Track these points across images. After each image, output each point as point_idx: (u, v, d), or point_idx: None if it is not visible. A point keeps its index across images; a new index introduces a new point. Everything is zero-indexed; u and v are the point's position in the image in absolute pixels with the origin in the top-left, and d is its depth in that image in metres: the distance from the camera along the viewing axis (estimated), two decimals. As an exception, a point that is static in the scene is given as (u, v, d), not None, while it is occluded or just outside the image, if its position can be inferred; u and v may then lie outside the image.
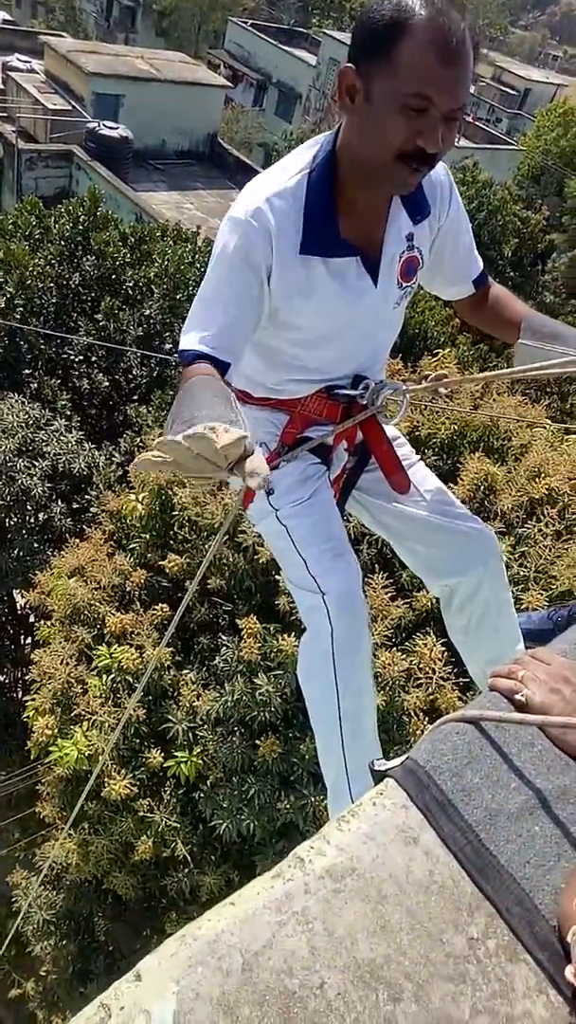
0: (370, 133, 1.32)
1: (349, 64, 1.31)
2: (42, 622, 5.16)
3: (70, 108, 17.96)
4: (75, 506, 6.61)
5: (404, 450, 1.85)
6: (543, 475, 4.19)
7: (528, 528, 4.01)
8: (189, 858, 3.95)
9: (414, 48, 1.21)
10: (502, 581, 1.84)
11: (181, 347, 1.45)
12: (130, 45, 29.83)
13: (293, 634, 3.68)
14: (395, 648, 3.69)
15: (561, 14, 76.97)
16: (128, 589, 4.62)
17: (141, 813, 3.88)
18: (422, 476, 1.84)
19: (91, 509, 6.26)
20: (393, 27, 1.22)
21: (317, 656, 1.60)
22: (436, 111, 1.24)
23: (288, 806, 3.56)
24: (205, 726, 3.87)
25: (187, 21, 35.75)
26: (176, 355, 7.62)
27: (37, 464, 6.23)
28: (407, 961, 0.63)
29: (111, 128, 16.66)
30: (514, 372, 1.55)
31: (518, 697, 0.85)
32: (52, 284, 7.67)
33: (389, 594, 3.79)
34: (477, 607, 1.81)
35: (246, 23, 32.56)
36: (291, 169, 1.46)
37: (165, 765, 3.85)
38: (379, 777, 0.81)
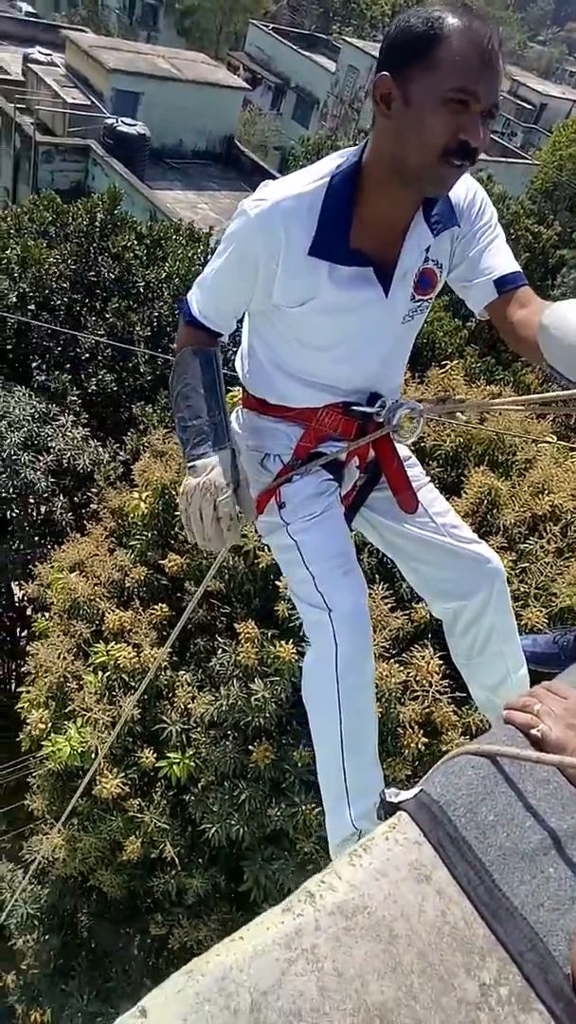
0: (411, 133, 1.33)
1: (383, 73, 1.33)
2: (40, 615, 5.15)
3: (89, 103, 17.95)
4: (77, 501, 6.59)
5: (415, 471, 1.84)
6: (547, 491, 4.18)
7: (530, 544, 3.99)
8: (176, 860, 3.93)
9: (453, 47, 1.27)
10: (506, 606, 1.83)
11: (189, 299, 1.67)
12: (151, 43, 29.84)
13: (291, 640, 3.67)
14: (392, 660, 3.67)
15: (582, 30, 77.08)
16: (127, 586, 4.60)
17: (131, 813, 3.86)
18: (431, 498, 1.84)
19: (93, 505, 6.25)
20: (431, 32, 1.28)
21: (321, 672, 1.59)
22: (476, 106, 1.28)
23: (279, 813, 3.54)
24: (199, 728, 3.85)
25: (208, 22, 35.77)
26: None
27: (42, 458, 6.22)
28: (418, 1006, 0.61)
29: (129, 125, 16.67)
30: (532, 400, 1.53)
31: (534, 732, 0.84)
32: (67, 283, 7.67)
33: (388, 605, 3.77)
34: (481, 631, 1.80)
35: (267, 26, 32.61)
36: (313, 174, 1.47)
37: (157, 765, 3.83)
38: (391, 809, 0.79)
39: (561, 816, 0.77)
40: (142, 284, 8.07)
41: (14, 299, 7.29)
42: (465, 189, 1.59)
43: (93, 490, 6.47)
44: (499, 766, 0.80)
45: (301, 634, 3.75)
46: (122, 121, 16.76)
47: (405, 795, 0.79)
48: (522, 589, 3.81)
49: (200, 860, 4.08)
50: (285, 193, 1.44)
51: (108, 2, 35.73)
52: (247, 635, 3.78)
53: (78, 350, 7.52)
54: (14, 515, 6.32)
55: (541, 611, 3.63)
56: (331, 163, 1.48)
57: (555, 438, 5.32)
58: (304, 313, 1.52)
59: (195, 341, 1.67)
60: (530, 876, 0.71)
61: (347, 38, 31.16)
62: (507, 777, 0.79)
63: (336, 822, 1.59)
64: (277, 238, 1.44)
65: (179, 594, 4.53)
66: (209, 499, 1.50)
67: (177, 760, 3.78)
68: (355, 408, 1.67)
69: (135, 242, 8.31)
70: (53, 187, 14.29)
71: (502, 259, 1.63)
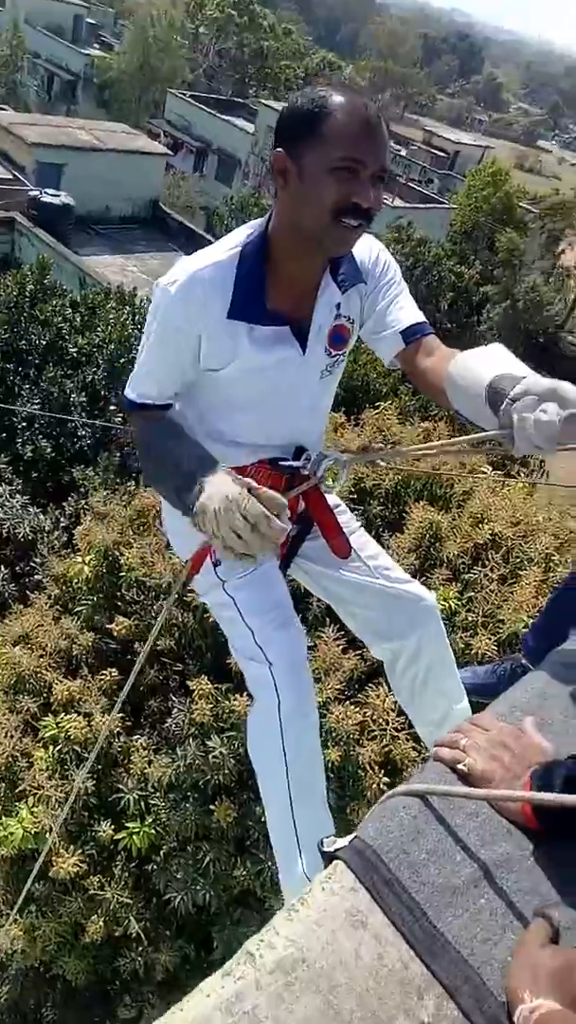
0: (307, 201, 1.42)
1: (278, 149, 1.44)
2: (-16, 693, 4.98)
3: (11, 177, 18.20)
4: (19, 571, 6.46)
5: (344, 517, 1.88)
6: (486, 520, 4.27)
7: (474, 573, 4.06)
8: (143, 936, 3.77)
9: (338, 122, 1.38)
10: (443, 642, 1.88)
11: (127, 395, 1.64)
12: (71, 116, 30.55)
13: (246, 693, 3.63)
14: (348, 701, 3.66)
15: (484, 82, 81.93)
16: (75, 653, 4.50)
17: (91, 891, 3.70)
18: (363, 542, 1.88)
19: (36, 575, 6.13)
20: (317, 110, 1.39)
21: (265, 726, 1.59)
22: (364, 171, 1.38)
23: (244, 873, 3.45)
24: (157, 793, 3.75)
25: (127, 93, 36.81)
26: (120, 415, 7.69)
27: (-20, 529, 6.10)
28: (357, 1055, 0.60)
29: (53, 195, 16.94)
30: (449, 443, 1.59)
31: (460, 766, 0.85)
32: (-3, 354, 7.68)
33: (340, 646, 3.77)
34: (420, 669, 1.83)
35: (185, 94, 33.67)
36: (224, 247, 1.55)
37: (116, 838, 3.70)
38: (329, 858, 0.79)
39: (490, 847, 0.77)
40: (75, 350, 8.12)
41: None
42: (368, 249, 1.68)
43: (36, 559, 6.36)
44: (429, 804, 0.81)
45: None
46: (46, 192, 17.01)
47: (340, 843, 0.79)
48: (469, 618, 3.86)
49: (167, 932, 3.92)
50: (200, 265, 1.50)
51: (25, 80, 36.51)
52: (201, 691, 3.73)
53: (14, 418, 7.47)
54: (-46, 590, 6.16)
55: (490, 639, 3.68)
56: (240, 235, 1.56)
57: (490, 468, 5.47)
58: (228, 375, 1.57)
59: (148, 421, 1.64)
60: (463, 909, 0.72)
61: (264, 101, 32.43)
62: (437, 814, 0.80)
63: (290, 876, 1.57)
64: (197, 306, 1.49)
65: (129, 656, 4.44)
66: (233, 513, 1.32)
67: (137, 829, 3.66)
68: (282, 463, 1.71)
69: (68, 309, 8.38)
70: (-21, 260, 14.34)
71: (407, 312, 1.71)
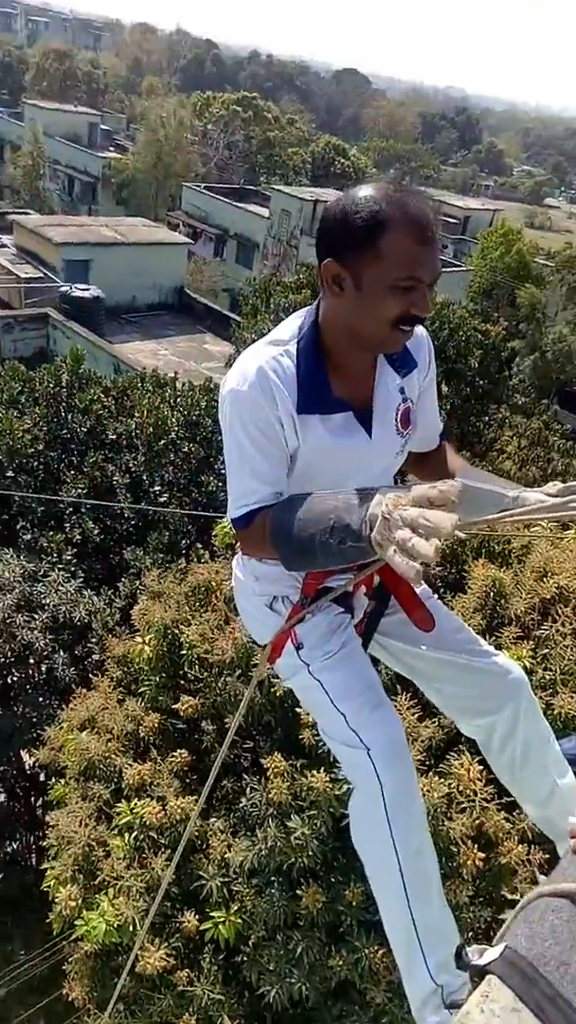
0: (366, 313, 1.46)
1: (328, 259, 1.45)
2: (54, 780, 4.92)
3: (42, 275, 19.09)
4: (78, 655, 6.47)
5: (421, 588, 1.84)
6: (550, 574, 4.17)
7: (545, 630, 3.95)
8: (236, 1034, 3.59)
9: (397, 239, 1.38)
10: (537, 714, 1.81)
11: (235, 517, 1.57)
12: (93, 215, 32.18)
13: (323, 769, 3.52)
14: (430, 772, 3.53)
15: (485, 150, 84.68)
16: (142, 735, 4.44)
17: (180, 987, 3.55)
18: (443, 614, 1.84)
19: (95, 656, 6.12)
20: (375, 223, 1.39)
21: (370, 814, 1.53)
22: (423, 284, 1.42)
23: (340, 962, 3.27)
24: (240, 879, 3.62)
25: (144, 190, 38.70)
26: (165, 495, 7.80)
27: (37, 616, 6.14)
28: None
29: (83, 290, 17.67)
30: (532, 511, 1.58)
31: None
32: (41, 444, 7.89)
33: (416, 714, 3.67)
34: (518, 745, 1.76)
35: (199, 186, 35.31)
36: (279, 340, 1.57)
37: (202, 928, 3.57)
38: (478, 972, 0.73)
39: None
40: (114, 435, 8.32)
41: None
42: (421, 335, 1.72)
43: (93, 640, 6.36)
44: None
45: (332, 760, 3.61)
46: (75, 287, 17.77)
47: (490, 955, 0.74)
48: (547, 676, 3.73)
49: (262, 1029, 3.73)
50: (261, 361, 1.52)
51: (48, 186, 38.63)
52: (275, 769, 3.63)
53: (61, 505, 7.62)
54: (15, 679, 6.17)
55: (571, 697, 3.55)
56: (289, 329, 1.59)
57: (546, 522, 5.39)
58: (305, 460, 1.58)
59: (267, 518, 1.54)
60: None
61: (275, 186, 33.81)
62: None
63: (414, 981, 1.48)
64: (273, 396, 1.51)
65: (197, 736, 4.37)
66: (396, 522, 1.22)
67: (222, 919, 3.52)
68: None
69: (102, 396, 8.62)
70: (16, 355, 14.91)
71: (436, 414, 1.86)
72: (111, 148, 46.00)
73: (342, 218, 1.42)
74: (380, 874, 1.56)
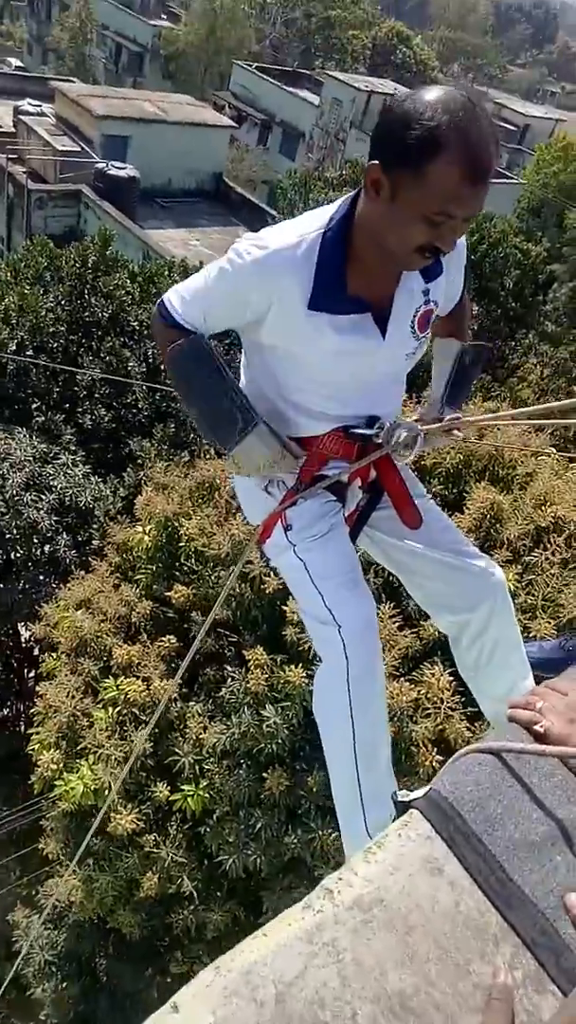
0: (393, 228, 1.42)
1: (374, 161, 1.39)
2: (47, 655, 5.15)
3: (79, 150, 18.37)
4: (80, 539, 6.63)
5: (416, 488, 1.88)
6: (549, 503, 4.19)
7: (535, 556, 4.01)
8: (195, 895, 3.89)
9: (446, 170, 1.30)
10: (510, 617, 1.86)
11: (168, 303, 1.66)
12: (138, 89, 30.61)
13: (300, 665, 3.67)
14: (403, 678, 3.67)
15: (558, 52, 78.95)
16: (134, 620, 4.61)
17: (147, 849, 3.83)
18: (434, 514, 1.87)
19: (96, 542, 6.27)
20: (427, 144, 1.29)
21: (333, 687, 1.61)
22: (456, 220, 1.37)
23: (295, 840, 3.52)
24: (211, 759, 3.84)
25: (193, 65, 36.70)
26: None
27: (44, 497, 6.26)
28: (436, 992, 0.63)
29: (119, 168, 17.04)
30: (527, 412, 1.58)
31: (537, 728, 0.86)
32: (63, 326, 7.81)
33: (396, 623, 3.78)
34: (487, 643, 1.82)
35: (250, 66, 33.38)
36: (307, 226, 1.53)
37: (171, 799, 3.81)
38: (402, 808, 0.81)
39: (567, 807, 0.78)
40: (136, 323, 8.20)
41: (13, 347, 7.42)
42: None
43: (95, 527, 6.50)
44: (505, 762, 0.82)
45: (311, 657, 3.75)
46: (112, 165, 17.13)
47: (416, 794, 0.81)
48: (528, 601, 3.82)
49: (218, 893, 4.04)
50: (283, 242, 1.50)
51: (94, 52, 36.69)
52: (256, 661, 3.79)
53: (76, 388, 7.62)
54: (18, 555, 6.35)
55: (549, 622, 3.64)
56: (324, 216, 1.54)
57: (554, 451, 5.36)
58: (308, 358, 1.59)
59: (180, 339, 1.66)
60: (539, 865, 0.73)
61: (329, 72, 31.94)
62: (513, 772, 0.81)
63: (351, 833, 1.59)
64: (274, 284, 1.50)
65: (186, 625, 4.54)
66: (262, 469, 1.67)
67: (191, 792, 3.76)
68: (355, 431, 1.72)
69: (127, 281, 8.45)
70: (47, 232, 14.55)
71: (461, 283, 1.81)
72: (163, 16, 43.35)
73: (399, 125, 1.32)
74: (334, 738, 1.65)
